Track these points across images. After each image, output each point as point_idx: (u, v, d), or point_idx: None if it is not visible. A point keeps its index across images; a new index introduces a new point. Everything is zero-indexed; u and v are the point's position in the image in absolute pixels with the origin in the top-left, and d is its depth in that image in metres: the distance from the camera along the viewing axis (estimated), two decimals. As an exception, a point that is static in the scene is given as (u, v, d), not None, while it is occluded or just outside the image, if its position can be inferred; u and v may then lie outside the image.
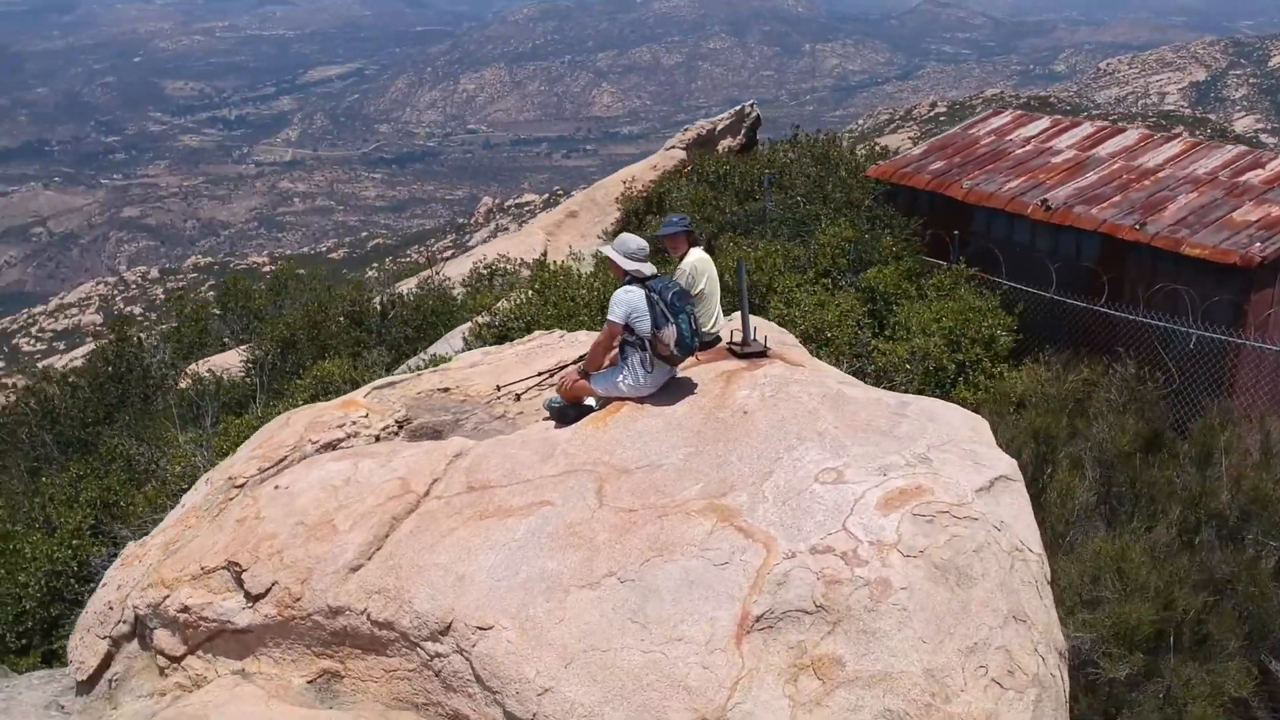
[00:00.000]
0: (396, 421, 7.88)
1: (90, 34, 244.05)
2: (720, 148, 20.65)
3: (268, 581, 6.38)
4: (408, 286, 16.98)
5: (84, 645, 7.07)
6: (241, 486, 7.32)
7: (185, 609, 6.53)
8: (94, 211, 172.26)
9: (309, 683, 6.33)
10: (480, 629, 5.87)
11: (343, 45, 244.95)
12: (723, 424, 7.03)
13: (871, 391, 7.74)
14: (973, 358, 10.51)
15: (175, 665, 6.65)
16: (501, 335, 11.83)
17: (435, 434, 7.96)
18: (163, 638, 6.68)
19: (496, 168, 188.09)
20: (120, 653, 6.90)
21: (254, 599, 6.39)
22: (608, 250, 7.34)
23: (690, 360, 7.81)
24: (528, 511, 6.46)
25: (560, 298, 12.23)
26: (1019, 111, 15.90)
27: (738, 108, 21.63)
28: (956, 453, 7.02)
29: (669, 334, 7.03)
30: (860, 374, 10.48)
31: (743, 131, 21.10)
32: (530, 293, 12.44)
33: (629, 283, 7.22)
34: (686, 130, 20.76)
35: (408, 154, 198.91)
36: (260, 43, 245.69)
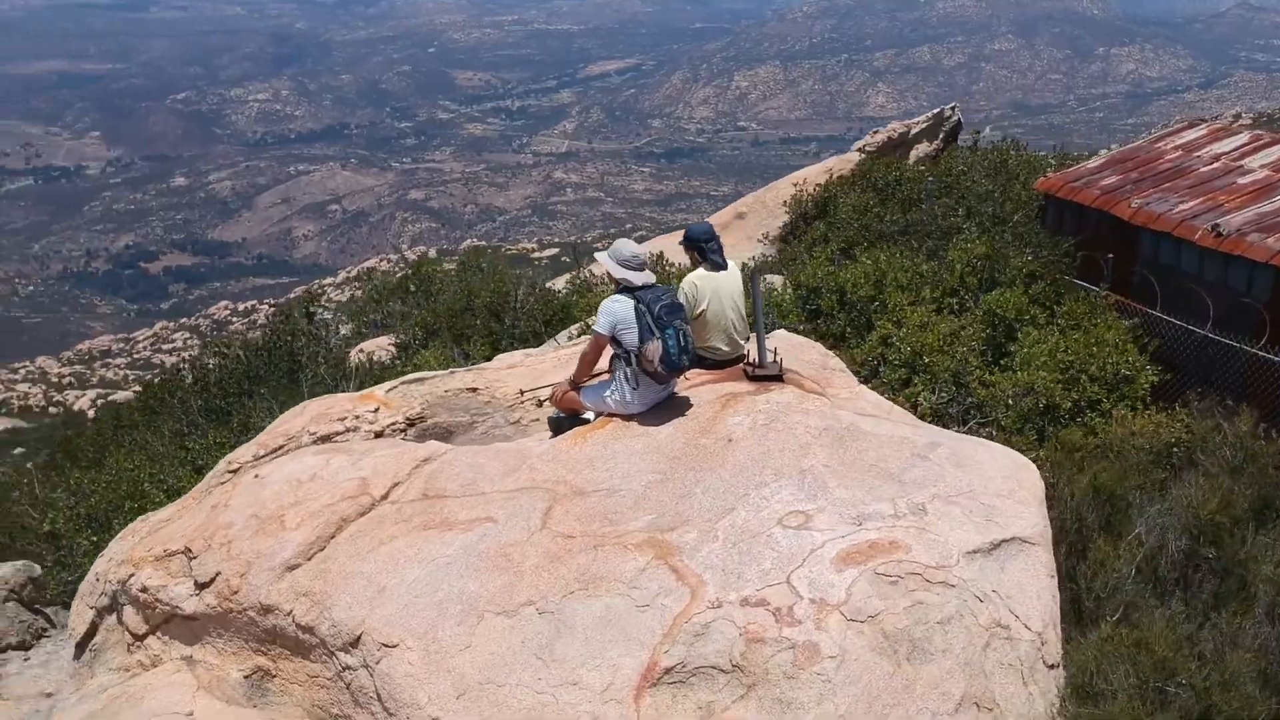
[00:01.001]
0: (408, 419, 7.73)
1: (391, 25, 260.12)
2: (915, 153, 19.57)
3: (212, 571, 6.34)
4: (560, 281, 16.97)
5: (77, 612, 7.28)
6: (235, 472, 7.35)
7: (145, 589, 6.59)
8: (383, 192, 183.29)
9: (245, 677, 6.25)
10: (386, 646, 5.60)
11: (623, 41, 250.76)
12: (702, 451, 6.48)
13: (901, 429, 6.98)
14: (1091, 397, 9.38)
15: (139, 643, 6.73)
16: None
17: (446, 434, 7.76)
18: (129, 615, 6.78)
19: (763, 165, 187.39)
20: (102, 624, 7.05)
21: (200, 587, 6.36)
22: (601, 256, 6.93)
23: (704, 378, 7.28)
24: (469, 526, 6.14)
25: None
26: (1218, 125, 14.19)
27: (937, 110, 20.39)
28: (967, 506, 6.21)
29: (653, 349, 6.53)
30: (957, 407, 9.56)
31: (941, 136, 19.89)
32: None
33: (620, 291, 6.77)
34: (876, 133, 19.75)
35: (677, 149, 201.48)
36: (546, 37, 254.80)
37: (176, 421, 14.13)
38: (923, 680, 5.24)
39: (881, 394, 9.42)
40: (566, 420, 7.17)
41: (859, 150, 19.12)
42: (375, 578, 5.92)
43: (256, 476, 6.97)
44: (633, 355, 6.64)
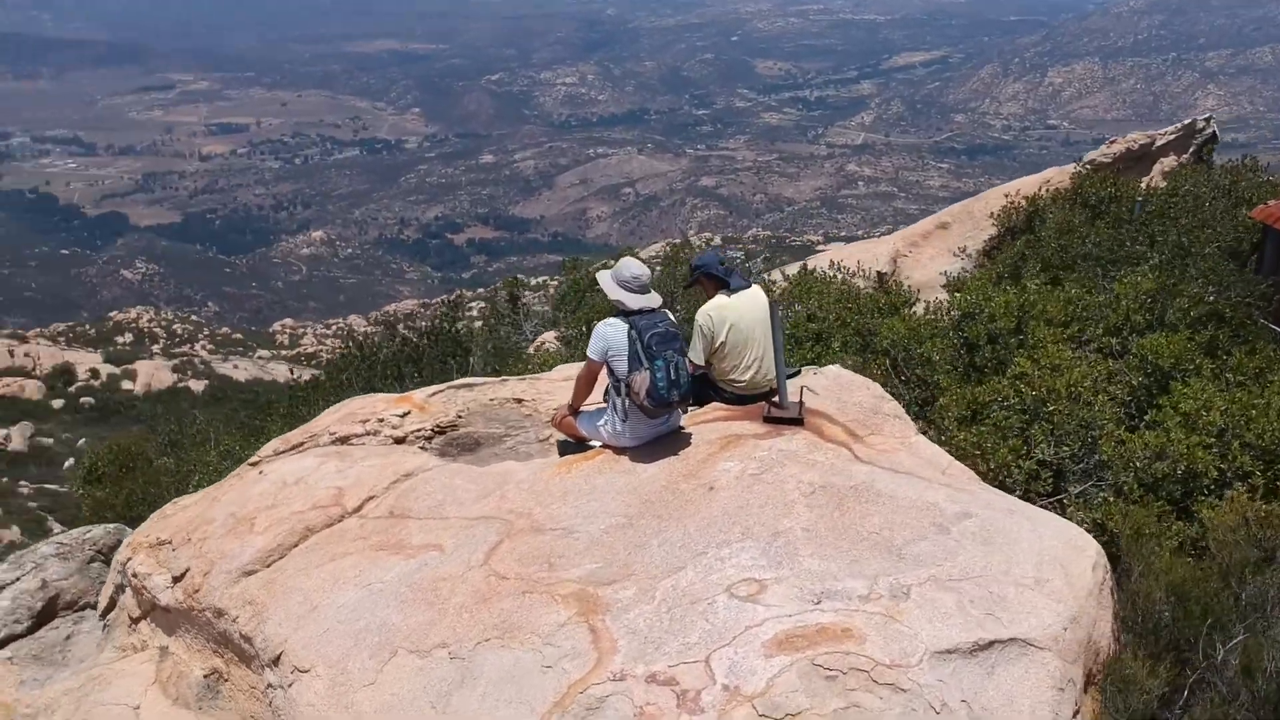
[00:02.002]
0: (437, 427, 7.48)
1: (697, 13, 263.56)
2: (1159, 167, 17.63)
3: (184, 566, 6.32)
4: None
5: (105, 586, 7.49)
6: (255, 465, 7.34)
7: (135, 575, 6.67)
8: (676, 178, 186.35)
9: (204, 677, 6.19)
10: (299, 670, 5.38)
11: (931, 32, 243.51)
12: (678, 498, 5.89)
13: (935, 493, 6.11)
14: (1241, 468, 7.99)
15: (134, 626, 6.83)
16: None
17: (473, 446, 7.46)
18: (128, 597, 6.89)
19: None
20: (119, 600, 7.22)
21: (174, 581, 6.37)
22: (602, 275, 6.42)
23: (718, 415, 6.65)
24: (415, 553, 5.82)
25: (817, 314, 11.12)
26: None
27: (1188, 121, 18.29)
28: (970, 594, 5.34)
29: (639, 380, 5.99)
30: (1080, 465, 8.40)
31: (1190, 150, 17.81)
32: (798, 306, 11.41)
33: (615, 315, 6.26)
34: (1114, 141, 17.88)
35: (979, 146, 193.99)
36: (850, 27, 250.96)
37: (340, 398, 14.60)
38: (831, 800, 4.51)
39: (988, 441, 8.44)
40: (571, 445, 6.74)
41: (1080, 163, 17.41)
42: (311, 595, 5.72)
43: (260, 473, 6.93)
44: (623, 385, 6.13)
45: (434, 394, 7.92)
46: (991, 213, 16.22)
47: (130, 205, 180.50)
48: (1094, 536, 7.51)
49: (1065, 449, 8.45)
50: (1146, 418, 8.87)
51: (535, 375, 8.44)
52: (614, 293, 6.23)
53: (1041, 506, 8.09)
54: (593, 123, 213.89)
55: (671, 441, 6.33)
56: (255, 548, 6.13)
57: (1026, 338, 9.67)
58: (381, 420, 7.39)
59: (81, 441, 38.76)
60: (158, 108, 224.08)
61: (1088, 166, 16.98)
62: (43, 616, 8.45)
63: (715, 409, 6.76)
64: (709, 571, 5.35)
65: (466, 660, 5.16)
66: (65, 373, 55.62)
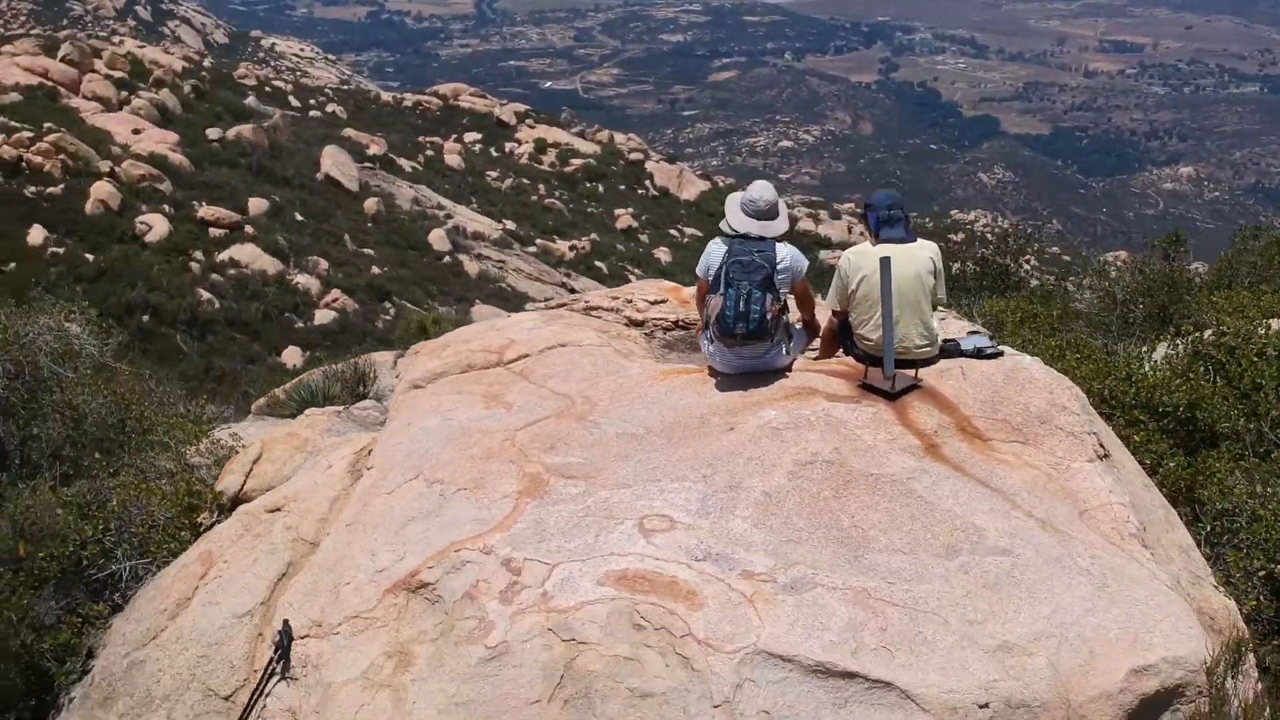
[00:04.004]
0: (680, 321, 7.69)
1: None
2: None
3: (400, 371, 7.53)
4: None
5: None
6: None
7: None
8: None
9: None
10: (366, 467, 6.36)
11: None
12: (702, 426, 5.75)
13: (994, 519, 5.13)
14: None
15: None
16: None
17: (694, 349, 7.58)
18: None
19: None
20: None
21: (398, 380, 7.61)
22: (734, 193, 6.10)
23: (827, 368, 6.08)
24: (495, 405, 6.40)
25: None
26: None
27: None
28: (883, 620, 4.65)
29: (713, 304, 5.81)
30: None
31: None
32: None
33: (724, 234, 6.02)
34: None
35: None
36: None
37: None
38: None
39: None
40: (719, 359, 6.64)
41: None
42: (417, 415, 6.59)
43: (510, 315, 7.85)
44: (709, 305, 5.97)
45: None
46: None
47: (1004, 111, 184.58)
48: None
49: None
50: None
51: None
52: (730, 213, 6.03)
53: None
54: None
55: (759, 379, 6.02)
56: (427, 368, 7.13)
57: None
58: (629, 301, 7.84)
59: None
60: (1055, 18, 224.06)
61: None
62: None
63: (839, 361, 6.21)
64: (642, 497, 5.26)
65: (445, 500, 5.70)
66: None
